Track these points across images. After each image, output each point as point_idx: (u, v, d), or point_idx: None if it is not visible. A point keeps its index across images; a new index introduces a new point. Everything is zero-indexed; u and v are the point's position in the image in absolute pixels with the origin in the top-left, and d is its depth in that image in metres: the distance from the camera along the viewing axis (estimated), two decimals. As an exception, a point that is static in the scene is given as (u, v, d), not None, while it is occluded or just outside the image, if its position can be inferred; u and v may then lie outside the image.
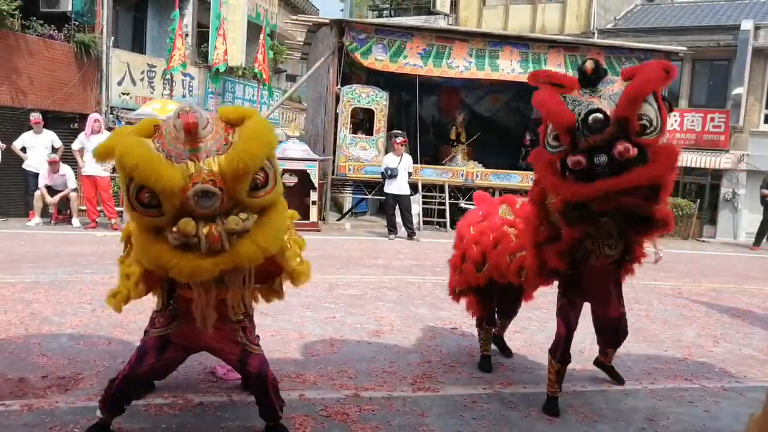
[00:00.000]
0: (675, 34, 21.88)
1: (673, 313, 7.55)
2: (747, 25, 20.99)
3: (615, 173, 3.47)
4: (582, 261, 4.11)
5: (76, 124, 15.62)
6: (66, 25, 15.67)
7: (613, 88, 3.60)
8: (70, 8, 15.48)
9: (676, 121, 22.31)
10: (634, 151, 3.42)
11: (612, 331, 4.60)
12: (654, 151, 3.53)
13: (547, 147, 3.73)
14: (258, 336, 3.87)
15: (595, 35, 22.35)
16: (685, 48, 18.44)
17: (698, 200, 20.25)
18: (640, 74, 3.53)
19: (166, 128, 3.05)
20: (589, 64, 3.64)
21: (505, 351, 5.65)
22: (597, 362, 5.10)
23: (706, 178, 22.66)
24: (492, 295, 5.11)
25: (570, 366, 4.72)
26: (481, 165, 17.42)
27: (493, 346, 5.45)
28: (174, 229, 2.97)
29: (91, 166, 11.93)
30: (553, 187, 3.76)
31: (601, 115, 3.45)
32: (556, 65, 16.67)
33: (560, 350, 4.36)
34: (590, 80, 3.63)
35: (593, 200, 3.60)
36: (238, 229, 3.02)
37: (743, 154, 21.85)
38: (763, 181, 16.20)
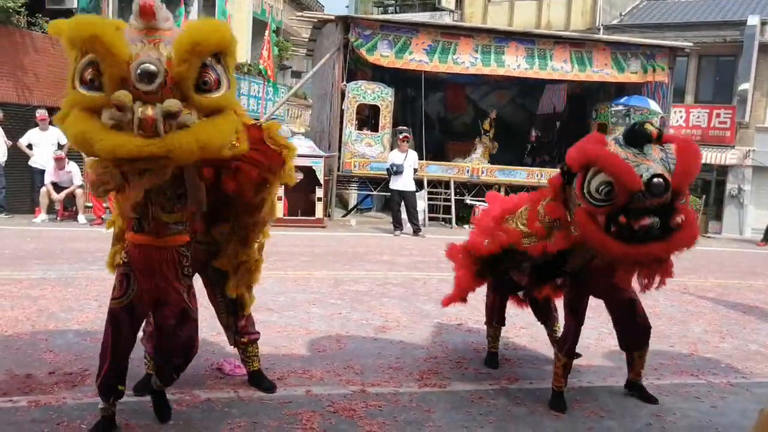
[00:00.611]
0: (681, 30, 21.82)
1: (679, 309, 7.53)
2: (753, 20, 20.90)
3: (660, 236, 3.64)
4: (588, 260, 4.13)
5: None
6: (72, 22, 15.68)
7: (656, 152, 3.65)
8: (75, 5, 15.52)
9: (681, 117, 22.26)
10: (682, 216, 3.68)
11: (628, 317, 4.49)
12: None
13: (590, 199, 3.70)
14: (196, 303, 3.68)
15: (601, 31, 22.32)
16: (690, 44, 18.38)
17: (704, 196, 20.22)
18: (693, 156, 3.70)
19: (129, 23, 3.07)
20: (653, 129, 3.65)
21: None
22: (628, 384, 4.73)
23: (712, 174, 22.59)
24: (505, 291, 5.13)
25: (577, 361, 4.73)
26: (486, 161, 17.41)
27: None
28: (110, 101, 2.88)
29: (96, 163, 11.94)
30: (602, 244, 3.74)
31: (662, 181, 3.51)
32: (562, 61, 16.66)
33: (568, 344, 4.35)
34: (643, 142, 3.65)
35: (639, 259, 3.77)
36: (175, 110, 2.90)
37: (749, 150, 21.79)
38: None
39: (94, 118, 2.93)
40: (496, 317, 5.26)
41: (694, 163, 3.68)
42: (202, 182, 3.45)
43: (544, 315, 5.22)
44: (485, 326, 5.41)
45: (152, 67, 2.87)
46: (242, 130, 3.43)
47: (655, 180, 3.49)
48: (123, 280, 3.47)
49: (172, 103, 2.89)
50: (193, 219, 3.61)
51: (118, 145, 2.86)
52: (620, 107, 17.10)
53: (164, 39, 2.99)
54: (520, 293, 5.19)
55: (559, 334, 4.90)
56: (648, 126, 3.66)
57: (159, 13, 3.00)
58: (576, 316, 4.35)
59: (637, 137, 3.64)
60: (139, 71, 2.86)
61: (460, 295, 5.10)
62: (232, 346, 4.46)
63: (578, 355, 5.18)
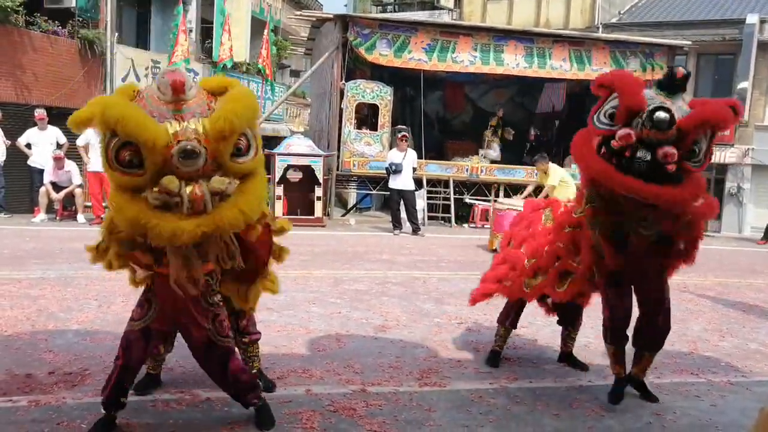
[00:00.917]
0: (680, 29, 21.82)
1: (678, 308, 7.50)
2: (752, 18, 20.90)
3: (648, 176, 3.54)
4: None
5: (80, 120, 15.61)
6: (70, 21, 15.68)
7: (684, 104, 3.68)
8: (74, 4, 15.49)
9: (682, 91, 22.25)
10: (675, 157, 3.49)
11: (652, 314, 4.41)
12: (688, 178, 3.66)
13: (596, 122, 3.73)
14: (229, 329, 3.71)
15: (600, 29, 22.30)
16: (689, 42, 18.41)
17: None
18: (715, 106, 3.63)
19: (148, 92, 3.08)
20: (682, 70, 3.68)
21: (579, 365, 5.28)
22: (628, 378, 4.56)
23: (711, 173, 22.58)
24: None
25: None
26: (486, 160, 17.42)
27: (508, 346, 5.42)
28: (155, 188, 2.92)
29: (96, 163, 11.95)
30: (591, 165, 3.72)
31: (668, 116, 3.49)
32: (561, 60, 16.67)
33: (608, 332, 4.35)
34: (674, 86, 3.68)
35: (622, 196, 3.66)
36: (223, 188, 2.98)
37: (748, 149, 21.79)
38: None
39: (140, 199, 2.97)
40: (511, 319, 5.20)
41: (711, 113, 3.61)
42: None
43: (571, 319, 5.16)
44: (496, 324, 5.36)
45: (196, 150, 2.92)
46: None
47: (660, 112, 3.49)
48: (144, 304, 3.56)
49: (219, 182, 2.98)
50: None
51: (174, 230, 2.92)
52: (619, 105, 17.09)
53: (192, 109, 3.04)
54: (548, 299, 5.05)
55: (573, 340, 5.15)
56: (679, 68, 3.69)
57: (187, 85, 3.03)
58: (609, 303, 4.32)
59: (668, 78, 3.68)
60: (182, 154, 2.90)
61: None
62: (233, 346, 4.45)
63: (585, 368, 5.19)
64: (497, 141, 18.32)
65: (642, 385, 4.61)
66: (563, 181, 11.47)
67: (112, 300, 6.37)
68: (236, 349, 3.76)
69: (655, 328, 4.43)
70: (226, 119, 2.96)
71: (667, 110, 3.51)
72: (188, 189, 2.93)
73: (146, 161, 2.92)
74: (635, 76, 3.80)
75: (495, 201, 12.02)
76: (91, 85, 16.21)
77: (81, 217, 12.45)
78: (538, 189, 12.08)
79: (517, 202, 11.64)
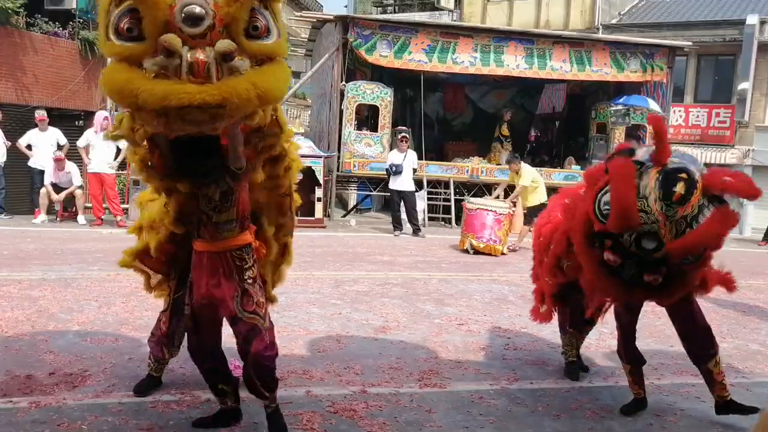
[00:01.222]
0: (680, 29, 21.79)
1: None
2: (752, 19, 20.87)
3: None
4: None
5: (81, 122, 15.66)
6: (71, 23, 15.72)
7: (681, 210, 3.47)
8: (74, 5, 15.50)
9: (681, 116, 22.25)
10: (659, 280, 3.64)
11: (690, 325, 4.32)
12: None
13: (596, 211, 3.66)
14: (263, 308, 3.60)
15: (600, 30, 22.29)
16: (690, 43, 18.37)
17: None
18: (706, 229, 3.48)
19: None
20: (679, 193, 3.40)
21: (581, 366, 5.20)
22: (717, 407, 4.29)
23: (712, 174, 22.54)
24: (569, 295, 4.84)
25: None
26: (486, 161, 17.41)
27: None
28: (157, 44, 2.62)
29: (96, 164, 12.00)
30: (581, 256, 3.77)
31: (654, 244, 3.50)
32: (561, 61, 16.63)
33: (622, 351, 4.35)
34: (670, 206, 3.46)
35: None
36: (230, 51, 2.66)
37: (749, 150, 21.77)
38: None
39: (136, 68, 2.70)
40: (568, 322, 5.09)
41: (708, 236, 3.49)
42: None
43: (586, 323, 5.08)
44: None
45: (199, 9, 2.63)
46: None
47: (645, 241, 3.48)
48: (189, 287, 3.59)
49: (226, 44, 2.66)
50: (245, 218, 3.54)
51: (169, 92, 2.60)
52: (620, 106, 17.09)
53: None
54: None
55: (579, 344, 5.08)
56: (677, 192, 3.40)
57: None
58: (620, 322, 4.34)
59: (668, 195, 3.42)
60: (184, 13, 2.62)
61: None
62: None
63: (586, 369, 5.18)
64: (505, 148, 18.23)
65: (732, 404, 4.26)
66: (534, 182, 11.78)
67: (112, 301, 6.37)
68: (268, 330, 3.59)
69: (697, 335, 4.31)
70: None
71: (654, 236, 3.48)
72: (190, 53, 2.64)
73: (145, 23, 2.65)
74: (629, 181, 3.51)
75: (467, 201, 12.05)
76: (92, 87, 16.23)
77: (81, 218, 12.43)
78: (511, 188, 12.35)
79: (489, 202, 11.71)
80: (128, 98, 2.68)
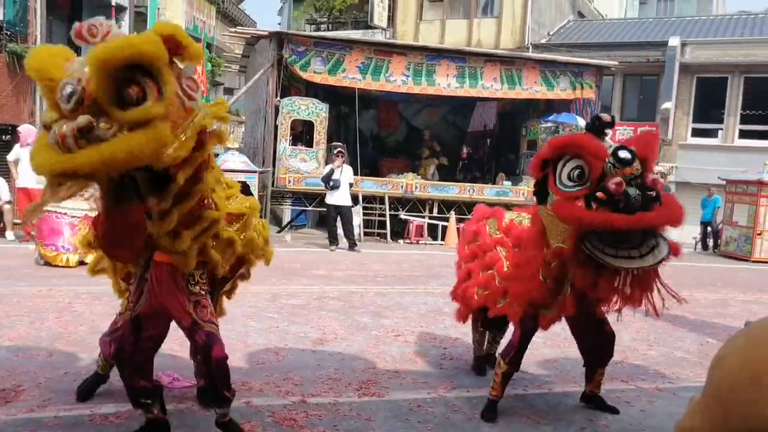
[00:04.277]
0: (606, 50, 22.44)
1: (608, 319, 7.72)
2: (674, 41, 21.68)
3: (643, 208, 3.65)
4: None
5: (8, 136, 15.23)
6: (-2, 36, 15.32)
7: (613, 139, 4.01)
8: (1, 18, 15.13)
9: (608, 134, 22.85)
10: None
11: (595, 333, 4.65)
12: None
13: (563, 187, 3.77)
14: (215, 317, 3.80)
15: (530, 50, 22.79)
16: (616, 63, 18.95)
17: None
18: (645, 133, 3.97)
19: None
20: (607, 116, 3.92)
21: (482, 370, 5.41)
22: (585, 397, 4.83)
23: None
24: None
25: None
26: (420, 177, 17.60)
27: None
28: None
29: (25, 179, 11.68)
30: (606, 221, 3.66)
31: (629, 154, 3.66)
32: (492, 79, 16.96)
33: (514, 354, 4.41)
34: (601, 130, 3.88)
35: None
36: (83, 126, 2.79)
37: (672, 167, 22.51)
38: None
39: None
40: (481, 321, 5.24)
41: (649, 139, 4.00)
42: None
43: (500, 327, 5.23)
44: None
45: (70, 88, 2.87)
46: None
47: (620, 152, 3.67)
48: (141, 293, 3.62)
49: (80, 120, 2.81)
50: None
51: (39, 164, 2.87)
52: (550, 124, 17.53)
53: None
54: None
55: (501, 347, 4.96)
56: (605, 115, 3.92)
57: (99, 31, 3.02)
58: (525, 328, 4.42)
59: (598, 123, 3.87)
60: (60, 93, 2.90)
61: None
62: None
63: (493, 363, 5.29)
64: (433, 164, 18.66)
65: (600, 399, 4.79)
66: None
67: (44, 316, 6.23)
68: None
69: (604, 348, 4.64)
70: (94, 55, 2.84)
71: (623, 147, 3.71)
72: (55, 127, 2.85)
73: (47, 99, 3.00)
74: (588, 135, 3.89)
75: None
76: (20, 100, 15.82)
77: (10, 234, 12.10)
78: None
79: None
80: (33, 166, 2.93)
